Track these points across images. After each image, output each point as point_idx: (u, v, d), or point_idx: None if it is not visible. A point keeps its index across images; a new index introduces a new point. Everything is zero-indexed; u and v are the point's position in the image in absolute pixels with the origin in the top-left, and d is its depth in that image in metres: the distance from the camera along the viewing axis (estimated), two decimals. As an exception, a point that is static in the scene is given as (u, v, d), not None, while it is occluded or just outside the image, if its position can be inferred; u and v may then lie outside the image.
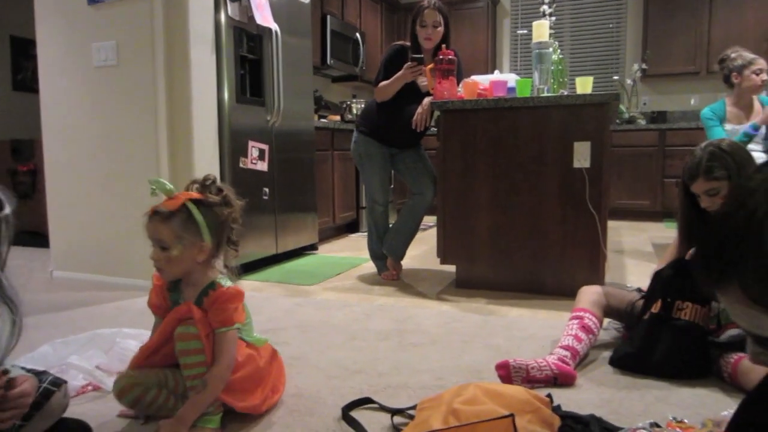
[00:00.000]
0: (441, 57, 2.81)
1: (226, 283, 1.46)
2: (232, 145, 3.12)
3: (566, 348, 1.75)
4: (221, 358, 1.38)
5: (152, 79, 2.82)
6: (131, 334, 1.77)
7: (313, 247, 3.98)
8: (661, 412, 1.47)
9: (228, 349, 1.39)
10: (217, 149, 3.07)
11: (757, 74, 3.20)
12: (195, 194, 1.41)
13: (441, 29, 2.95)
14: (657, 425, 1.36)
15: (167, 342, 1.42)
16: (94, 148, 3.01)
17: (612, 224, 5.14)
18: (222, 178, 3.07)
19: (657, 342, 1.72)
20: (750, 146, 3.20)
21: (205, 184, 1.45)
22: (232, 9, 3.08)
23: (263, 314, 2.43)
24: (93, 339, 1.74)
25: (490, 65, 6.04)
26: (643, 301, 1.85)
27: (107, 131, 2.96)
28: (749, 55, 3.26)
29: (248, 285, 2.97)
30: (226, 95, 3.08)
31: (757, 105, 3.38)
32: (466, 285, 2.90)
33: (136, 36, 2.85)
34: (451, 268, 3.01)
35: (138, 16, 2.84)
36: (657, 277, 1.81)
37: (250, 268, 3.29)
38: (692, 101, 5.73)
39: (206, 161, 2.97)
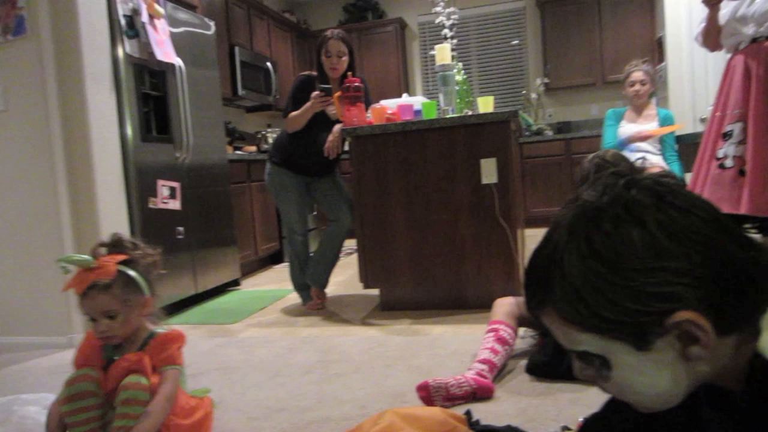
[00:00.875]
0: (347, 85, 2.85)
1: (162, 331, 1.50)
2: (139, 186, 3.01)
3: (484, 362, 1.79)
4: (163, 390, 1.38)
5: (45, 123, 2.68)
6: (31, 399, 1.64)
7: (235, 283, 3.89)
8: (573, 415, 1.52)
9: (171, 385, 1.40)
10: (123, 192, 2.94)
11: (631, 86, 3.54)
12: (120, 255, 1.43)
13: (346, 58, 2.99)
14: (567, 428, 1.41)
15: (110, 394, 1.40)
16: (-14, 199, 2.82)
17: (530, 232, 5.31)
18: (131, 222, 2.95)
19: (567, 347, 1.80)
20: (648, 150, 3.46)
21: (116, 244, 1.46)
22: (130, 46, 3.00)
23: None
24: (-14, 411, 1.60)
25: (402, 88, 6.17)
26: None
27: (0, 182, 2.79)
28: (628, 69, 3.60)
29: (167, 329, 2.85)
30: (129, 135, 2.98)
31: (648, 110, 3.67)
32: (390, 307, 2.92)
33: (26, 78, 2.70)
34: (375, 292, 3.03)
35: (26, 58, 2.69)
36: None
37: (169, 311, 3.17)
38: (593, 110, 6.08)
39: (112, 205, 2.84)
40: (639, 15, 5.60)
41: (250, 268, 4.36)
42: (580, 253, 0.62)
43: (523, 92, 6.20)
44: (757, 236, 2.37)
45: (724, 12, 2.31)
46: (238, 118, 5.41)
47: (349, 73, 2.91)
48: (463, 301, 2.83)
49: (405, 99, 3.10)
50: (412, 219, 2.81)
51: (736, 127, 2.20)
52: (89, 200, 2.74)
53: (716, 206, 0.63)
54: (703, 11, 2.40)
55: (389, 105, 2.97)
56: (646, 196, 0.61)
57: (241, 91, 4.84)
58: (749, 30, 2.21)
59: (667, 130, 3.52)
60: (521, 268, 2.87)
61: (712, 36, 2.41)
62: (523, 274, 0.70)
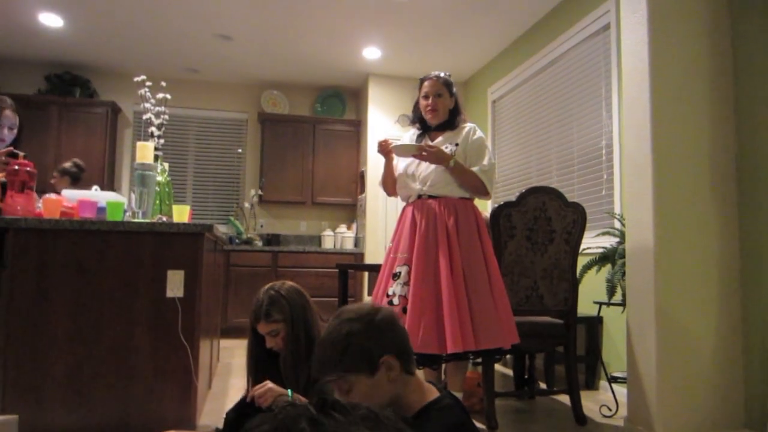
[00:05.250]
0: (17, 167, 2.44)
1: None
2: None
3: None
4: None
5: None
6: None
7: None
8: None
9: None
10: None
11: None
12: None
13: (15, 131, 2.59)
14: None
15: None
16: None
17: (227, 343, 5.15)
18: None
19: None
20: None
21: None
22: None
23: None
24: None
25: (106, 177, 5.65)
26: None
27: None
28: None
29: None
30: None
31: None
32: (31, 438, 2.38)
33: None
34: (13, 419, 2.45)
35: None
36: (226, 419, 1.78)
37: None
38: (302, 227, 6.42)
39: None
40: (347, 148, 6.26)
41: None
42: None
43: (238, 200, 6.25)
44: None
45: (400, 166, 2.68)
46: None
47: (21, 154, 2.51)
48: (129, 428, 2.47)
49: (90, 193, 2.77)
50: (77, 331, 2.42)
51: (403, 270, 2.49)
52: None
53: None
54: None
55: (69, 197, 2.62)
56: None
57: None
58: (416, 186, 2.59)
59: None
60: (203, 390, 2.67)
61: (388, 184, 2.76)
62: None
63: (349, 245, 6.07)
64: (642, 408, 2.58)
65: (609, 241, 3.22)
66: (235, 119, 6.37)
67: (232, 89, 6.33)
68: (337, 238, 6.14)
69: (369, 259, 5.75)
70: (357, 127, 6.30)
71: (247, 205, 6.11)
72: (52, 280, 2.41)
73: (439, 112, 2.62)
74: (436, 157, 2.49)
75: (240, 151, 6.34)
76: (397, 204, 5.68)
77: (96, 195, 2.70)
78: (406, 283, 2.43)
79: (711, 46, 2.68)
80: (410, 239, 2.51)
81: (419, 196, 2.59)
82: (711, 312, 2.58)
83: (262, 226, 6.25)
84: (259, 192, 6.03)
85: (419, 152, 2.50)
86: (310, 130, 6.19)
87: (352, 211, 6.39)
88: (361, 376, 1.23)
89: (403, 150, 2.56)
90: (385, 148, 2.61)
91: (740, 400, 2.58)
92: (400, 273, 2.48)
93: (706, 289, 2.59)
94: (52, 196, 2.55)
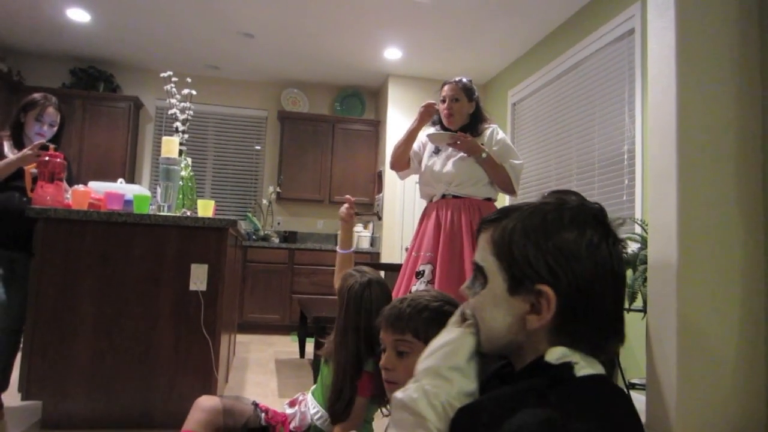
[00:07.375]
0: (47, 158, 2.48)
1: None
2: None
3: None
4: None
5: None
6: None
7: None
8: None
9: None
10: None
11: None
12: None
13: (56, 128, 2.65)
14: None
15: None
16: None
17: (242, 338, 5.19)
18: None
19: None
20: None
21: None
22: None
23: None
24: None
25: (127, 170, 5.72)
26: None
27: None
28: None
29: None
30: None
31: None
32: (55, 425, 2.42)
33: None
34: (37, 405, 2.50)
35: None
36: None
37: None
38: (318, 225, 6.44)
39: None
40: (366, 147, 6.28)
41: None
42: (531, 215, 0.87)
43: (256, 196, 6.30)
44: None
45: (425, 163, 2.68)
46: None
47: (51, 146, 2.56)
48: (150, 419, 2.51)
49: (117, 186, 2.81)
50: (101, 321, 2.46)
51: (427, 268, 2.49)
52: None
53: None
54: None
55: (96, 189, 2.66)
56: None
57: None
58: (441, 185, 2.60)
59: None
60: (221, 383, 2.70)
61: (401, 155, 2.70)
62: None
63: (365, 244, 6.09)
64: (661, 415, 2.57)
65: (630, 247, 3.20)
66: (255, 117, 6.41)
67: (252, 87, 6.38)
68: (354, 236, 6.14)
69: (385, 259, 5.77)
70: (376, 127, 6.31)
71: (264, 201, 6.15)
72: (78, 270, 2.45)
73: (455, 117, 2.62)
74: (469, 146, 2.50)
75: (258, 147, 6.38)
76: (414, 204, 5.69)
77: (123, 188, 2.74)
78: (430, 282, 2.44)
79: (739, 52, 2.66)
80: (434, 238, 2.51)
81: (443, 196, 2.59)
82: (733, 320, 2.56)
83: (279, 223, 6.28)
84: (277, 189, 6.07)
85: (453, 141, 2.52)
86: (329, 129, 6.21)
87: (369, 210, 6.41)
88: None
89: (437, 138, 2.59)
90: (429, 110, 2.64)
91: (762, 408, 2.55)
92: (423, 271, 2.49)
93: (729, 297, 2.56)
94: (80, 187, 2.59)
